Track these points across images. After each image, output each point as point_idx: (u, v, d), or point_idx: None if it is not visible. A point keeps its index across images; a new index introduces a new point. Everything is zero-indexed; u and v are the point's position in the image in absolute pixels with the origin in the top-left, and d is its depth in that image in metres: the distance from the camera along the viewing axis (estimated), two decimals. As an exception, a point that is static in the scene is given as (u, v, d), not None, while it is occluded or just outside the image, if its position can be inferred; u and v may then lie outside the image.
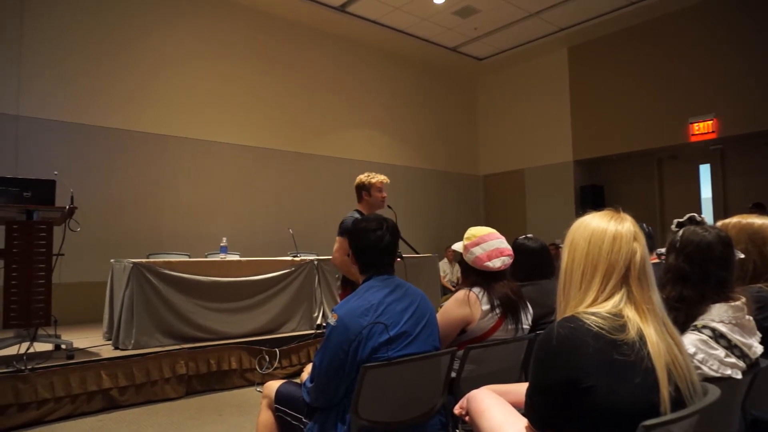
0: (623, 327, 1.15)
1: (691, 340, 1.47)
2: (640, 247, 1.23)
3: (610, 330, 1.14)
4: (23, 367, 3.52)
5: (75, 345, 4.07)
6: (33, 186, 3.92)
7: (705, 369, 1.43)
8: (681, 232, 1.69)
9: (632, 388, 1.10)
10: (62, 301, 4.38)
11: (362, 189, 3.58)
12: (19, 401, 3.44)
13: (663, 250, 1.86)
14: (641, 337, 1.14)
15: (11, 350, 3.74)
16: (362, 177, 3.61)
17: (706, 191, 8.59)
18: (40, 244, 3.78)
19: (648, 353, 1.13)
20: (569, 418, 1.16)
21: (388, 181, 3.66)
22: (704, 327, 1.50)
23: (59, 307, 4.05)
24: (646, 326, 1.16)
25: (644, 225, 2.99)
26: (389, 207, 3.69)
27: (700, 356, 1.44)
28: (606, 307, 1.19)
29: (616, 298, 1.20)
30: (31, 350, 3.70)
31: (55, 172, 4.17)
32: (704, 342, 1.46)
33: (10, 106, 5.96)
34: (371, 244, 1.98)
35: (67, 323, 4.94)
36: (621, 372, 1.11)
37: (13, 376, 3.46)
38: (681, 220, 1.76)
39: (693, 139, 8.10)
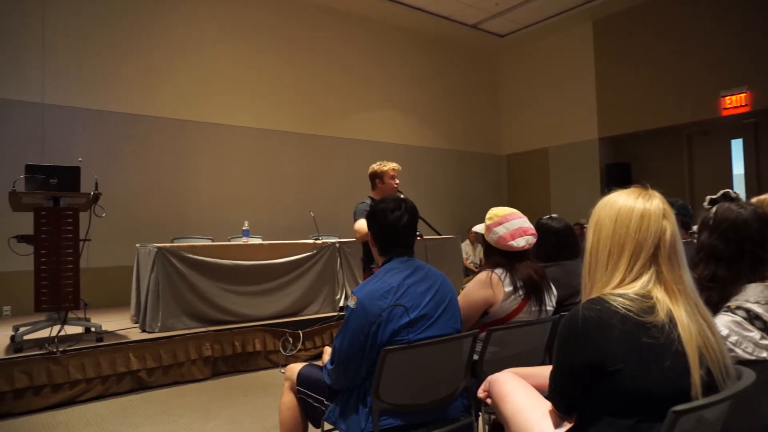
0: (652, 309, 1.11)
1: (724, 322, 1.41)
2: (670, 224, 1.17)
3: (638, 312, 1.09)
4: (55, 350, 3.62)
5: (104, 328, 4.17)
6: (59, 173, 3.99)
7: (739, 352, 1.37)
8: (714, 209, 1.62)
9: (662, 371, 1.06)
10: (90, 286, 4.48)
11: (375, 177, 3.68)
12: (53, 382, 3.55)
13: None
14: (671, 319, 1.10)
15: (43, 333, 3.86)
16: (375, 166, 3.72)
17: (738, 167, 8.31)
18: (68, 229, 3.87)
19: (678, 336, 1.08)
20: (594, 402, 1.13)
21: (400, 168, 3.76)
22: (738, 308, 1.44)
23: (88, 291, 4.15)
24: (677, 308, 1.12)
25: (680, 201, 2.87)
26: (400, 193, 3.73)
27: (733, 338, 1.39)
28: (634, 288, 1.14)
29: (645, 278, 1.15)
30: (62, 333, 3.80)
31: (80, 159, 4.22)
32: (738, 323, 1.40)
33: (36, 94, 6.06)
34: (389, 225, 1.95)
35: (96, 307, 5.07)
36: (650, 355, 1.07)
37: (46, 357, 3.57)
38: (714, 196, 1.68)
39: (725, 113, 7.81)
